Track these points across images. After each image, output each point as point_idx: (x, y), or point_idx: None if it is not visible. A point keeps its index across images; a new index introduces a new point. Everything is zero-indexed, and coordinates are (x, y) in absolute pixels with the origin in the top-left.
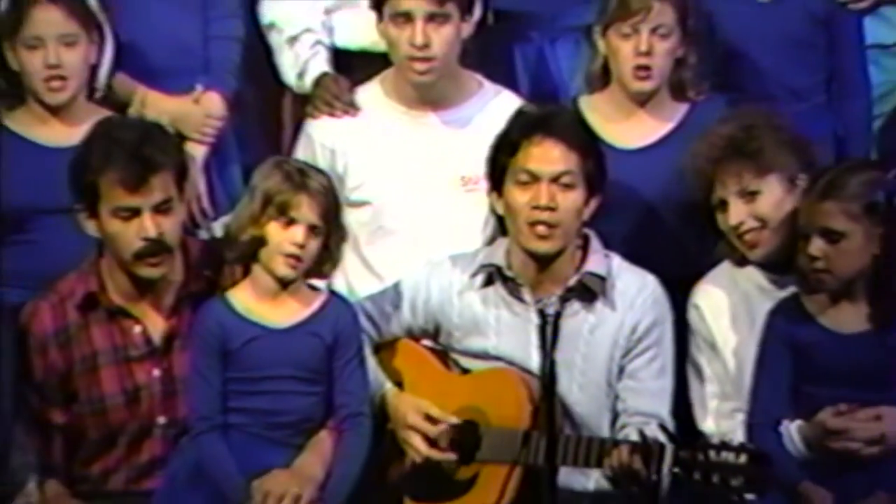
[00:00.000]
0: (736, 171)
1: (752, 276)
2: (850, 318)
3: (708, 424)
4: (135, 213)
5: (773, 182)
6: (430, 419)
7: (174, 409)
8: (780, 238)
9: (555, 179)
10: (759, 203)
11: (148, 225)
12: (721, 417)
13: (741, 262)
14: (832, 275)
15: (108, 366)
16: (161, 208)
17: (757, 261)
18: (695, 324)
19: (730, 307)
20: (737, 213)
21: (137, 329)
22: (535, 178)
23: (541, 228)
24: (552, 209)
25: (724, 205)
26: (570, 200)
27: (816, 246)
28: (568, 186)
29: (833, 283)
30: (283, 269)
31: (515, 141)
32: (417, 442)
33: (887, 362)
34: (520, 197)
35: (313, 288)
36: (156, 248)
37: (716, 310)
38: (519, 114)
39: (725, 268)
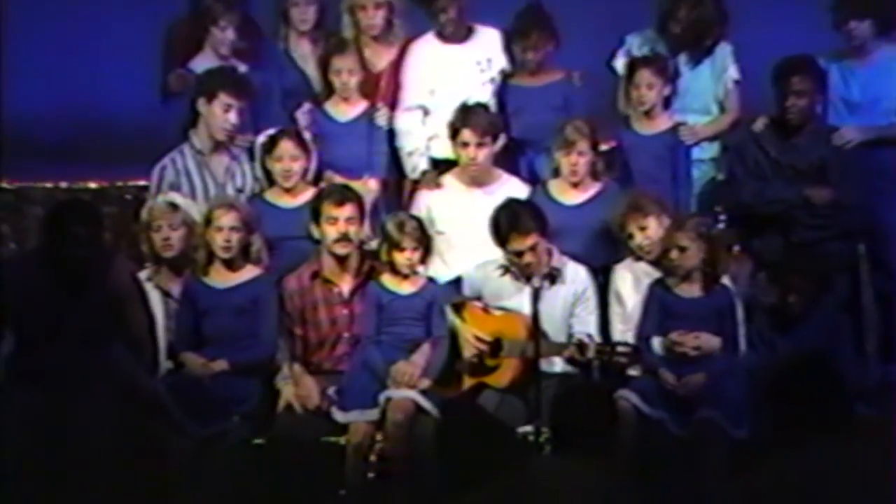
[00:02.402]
0: (633, 217)
1: (643, 266)
2: (688, 290)
3: (619, 330)
4: (335, 220)
5: (652, 220)
6: (478, 339)
7: (353, 330)
8: (659, 249)
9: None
10: (647, 232)
11: (341, 226)
12: (622, 332)
13: (637, 259)
14: (681, 267)
15: (322, 307)
16: (349, 220)
17: (648, 259)
18: (613, 285)
19: (629, 279)
20: (639, 239)
21: (336, 289)
22: (518, 256)
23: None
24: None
25: (631, 236)
26: (539, 249)
27: (673, 254)
28: (536, 251)
29: (680, 272)
30: (405, 271)
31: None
32: (469, 348)
33: (705, 313)
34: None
35: (415, 273)
36: (344, 239)
37: (623, 279)
38: (505, 207)
39: (629, 261)
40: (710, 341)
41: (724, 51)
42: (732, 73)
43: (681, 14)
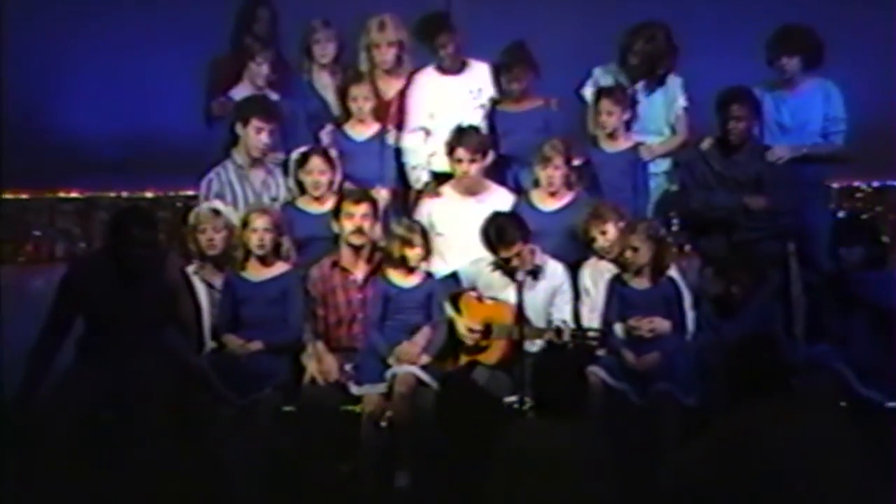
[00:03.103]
0: (595, 223)
1: (605, 264)
2: (639, 283)
3: (587, 317)
4: (352, 215)
5: (610, 225)
6: (470, 329)
7: (366, 312)
8: (616, 250)
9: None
10: (607, 236)
11: (357, 220)
12: (589, 319)
13: (600, 257)
14: (634, 264)
15: (340, 291)
16: (364, 216)
17: (608, 258)
18: (581, 280)
19: (594, 275)
20: (600, 241)
21: (352, 277)
22: (506, 262)
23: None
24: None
25: (593, 239)
26: (524, 253)
27: (627, 253)
28: (521, 256)
29: (633, 268)
30: (413, 264)
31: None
32: (467, 340)
33: (655, 301)
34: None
35: (420, 268)
36: (358, 231)
37: (589, 275)
38: (493, 217)
39: (593, 260)
40: (662, 324)
41: (675, 82)
42: (682, 101)
43: (637, 47)
